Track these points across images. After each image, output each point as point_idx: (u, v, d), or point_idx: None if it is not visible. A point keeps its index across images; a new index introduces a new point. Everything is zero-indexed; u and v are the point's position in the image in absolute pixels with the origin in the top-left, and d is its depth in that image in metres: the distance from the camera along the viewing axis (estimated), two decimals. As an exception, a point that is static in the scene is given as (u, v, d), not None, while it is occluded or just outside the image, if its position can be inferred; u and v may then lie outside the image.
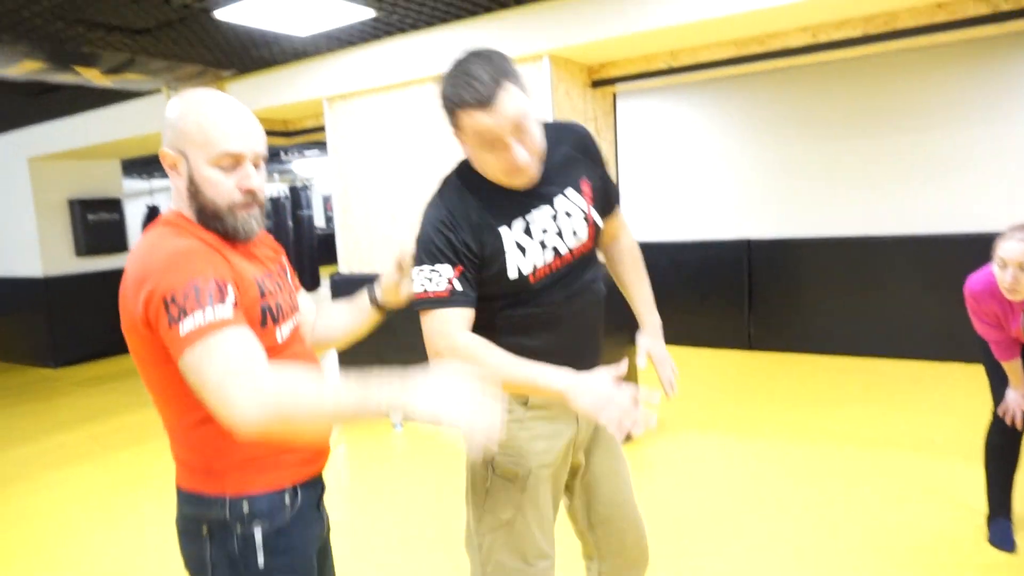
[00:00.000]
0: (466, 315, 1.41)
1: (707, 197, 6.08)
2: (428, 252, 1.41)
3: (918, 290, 5.13)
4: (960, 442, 3.51)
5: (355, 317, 1.57)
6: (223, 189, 1.18)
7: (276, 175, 12.50)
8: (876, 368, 5.07)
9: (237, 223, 1.21)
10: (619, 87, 4.19)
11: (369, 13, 3.58)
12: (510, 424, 1.51)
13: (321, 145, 8.81)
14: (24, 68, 3.93)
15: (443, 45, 3.95)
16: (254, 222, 1.24)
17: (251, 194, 1.21)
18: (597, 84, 4.05)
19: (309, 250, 9.51)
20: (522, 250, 1.43)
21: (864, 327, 5.35)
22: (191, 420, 1.16)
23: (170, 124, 1.20)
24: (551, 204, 1.46)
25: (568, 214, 1.48)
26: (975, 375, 4.84)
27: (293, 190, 10.36)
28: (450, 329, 1.39)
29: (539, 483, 1.53)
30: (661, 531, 2.74)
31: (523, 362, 1.36)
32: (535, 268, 1.44)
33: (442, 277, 1.39)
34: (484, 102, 1.30)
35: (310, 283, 9.41)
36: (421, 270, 1.42)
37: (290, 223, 10.37)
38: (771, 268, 5.78)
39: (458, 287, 1.39)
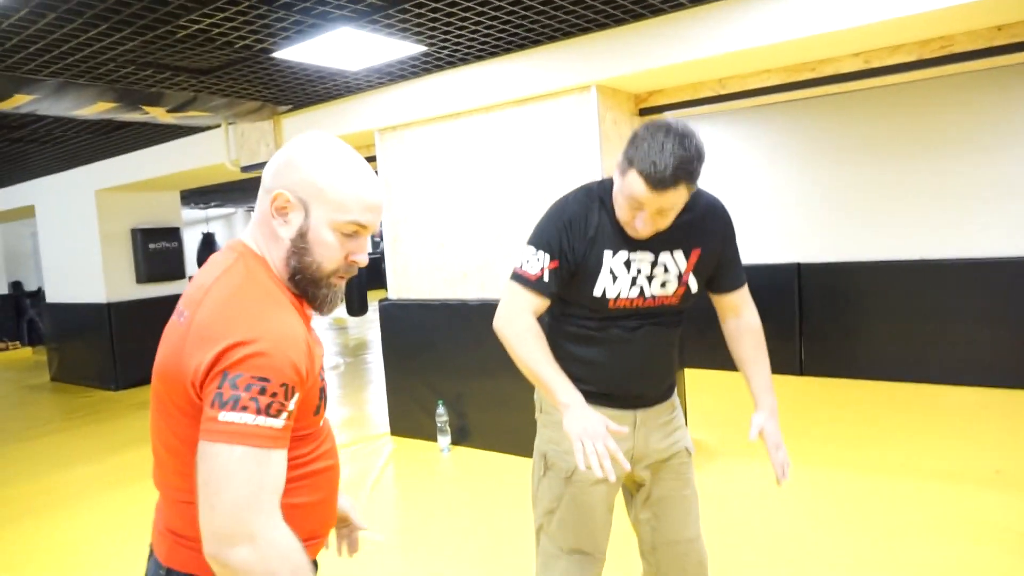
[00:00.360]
0: (539, 303, 1.60)
1: (756, 221, 6.01)
2: (540, 238, 1.62)
3: (978, 314, 4.96)
4: (1030, 476, 3.37)
5: None
6: (333, 255, 1.10)
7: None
8: (935, 396, 4.90)
9: (329, 293, 1.13)
10: (666, 115, 4.21)
11: (419, 48, 3.69)
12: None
13: (369, 173, 9.01)
14: (97, 108, 4.16)
15: (492, 78, 4.04)
16: (340, 296, 1.15)
17: (354, 267, 1.13)
18: (644, 112, 4.08)
19: (358, 275, 9.70)
20: (614, 277, 1.59)
21: (921, 353, 5.19)
22: None
23: (297, 167, 1.08)
24: (656, 255, 1.60)
25: (666, 269, 1.60)
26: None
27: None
28: (520, 305, 1.60)
29: (584, 483, 1.65)
30: (710, 561, 2.69)
31: (552, 366, 1.56)
32: (618, 296, 1.59)
33: (539, 264, 1.59)
34: (654, 185, 1.43)
35: (358, 308, 9.57)
36: (528, 247, 1.62)
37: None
38: (822, 292, 5.67)
39: (546, 278, 1.59)
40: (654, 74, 3.58)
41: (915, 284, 5.23)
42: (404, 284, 4.75)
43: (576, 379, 1.61)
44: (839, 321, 5.59)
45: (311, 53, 3.59)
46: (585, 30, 3.57)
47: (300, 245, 1.08)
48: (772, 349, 5.88)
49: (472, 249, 4.32)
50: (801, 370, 5.74)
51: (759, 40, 3.15)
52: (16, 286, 12.00)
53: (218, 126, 5.39)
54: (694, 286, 1.64)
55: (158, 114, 4.48)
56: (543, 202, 1.72)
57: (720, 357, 6.32)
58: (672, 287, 1.62)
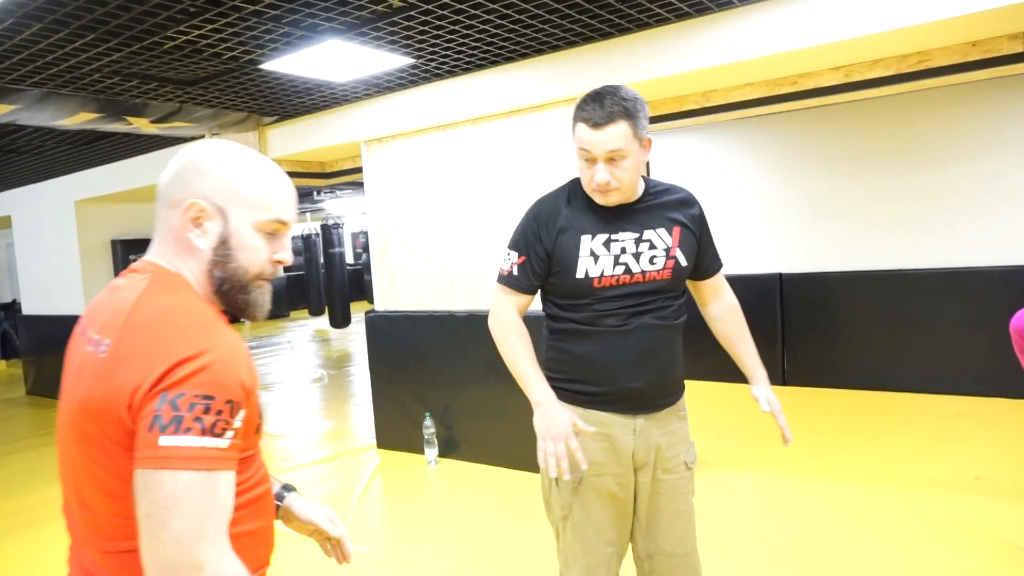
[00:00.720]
0: (516, 299, 1.71)
1: (738, 232, 6.08)
2: (513, 237, 1.73)
3: (957, 324, 5.05)
4: (1006, 480, 3.43)
5: None
6: (259, 257, 1.06)
7: (308, 214, 12.76)
8: (915, 404, 4.98)
9: (258, 299, 1.09)
10: (651, 127, 4.25)
11: (407, 61, 3.71)
12: None
13: (354, 185, 8.98)
14: (79, 119, 4.12)
15: (479, 90, 4.06)
16: (268, 300, 1.10)
17: (279, 267, 1.10)
18: (629, 124, 4.12)
19: (340, 287, 9.64)
20: (595, 257, 1.63)
21: (902, 362, 5.27)
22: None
23: (206, 173, 1.03)
24: (640, 233, 1.66)
25: (652, 245, 1.65)
26: (1020, 411, 4.71)
27: (324, 228, 10.57)
28: (502, 302, 1.72)
29: (590, 491, 1.68)
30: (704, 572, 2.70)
31: (529, 362, 1.65)
32: (602, 275, 1.63)
33: (510, 261, 1.71)
34: (594, 124, 1.55)
35: (341, 320, 9.51)
36: (506, 248, 1.74)
37: (321, 260, 10.57)
38: (804, 302, 5.74)
39: (515, 272, 1.70)
40: (640, 87, 3.62)
41: (896, 294, 5.32)
42: (391, 295, 4.74)
43: (575, 380, 1.64)
44: (821, 331, 5.66)
45: (299, 65, 3.59)
46: (572, 43, 3.61)
47: (222, 253, 1.03)
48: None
49: (459, 260, 4.33)
50: (784, 380, 5.79)
51: (743, 54, 3.21)
52: (-10, 298, 11.77)
53: (202, 137, 5.35)
54: (683, 260, 1.69)
55: (142, 125, 4.45)
56: (530, 214, 1.76)
57: (705, 368, 6.26)
58: (661, 261, 1.65)
